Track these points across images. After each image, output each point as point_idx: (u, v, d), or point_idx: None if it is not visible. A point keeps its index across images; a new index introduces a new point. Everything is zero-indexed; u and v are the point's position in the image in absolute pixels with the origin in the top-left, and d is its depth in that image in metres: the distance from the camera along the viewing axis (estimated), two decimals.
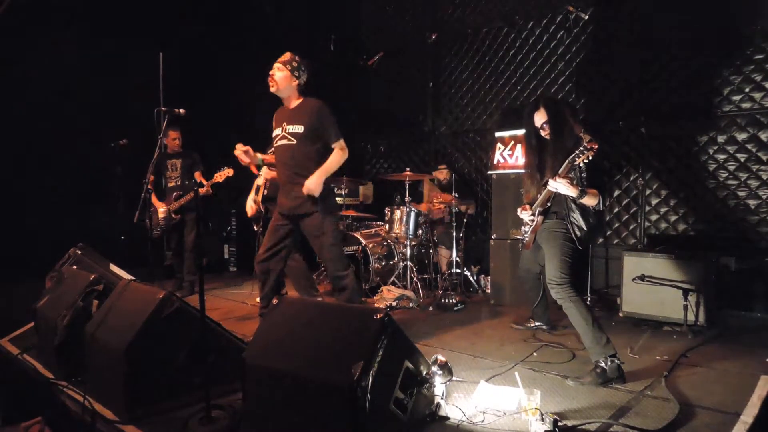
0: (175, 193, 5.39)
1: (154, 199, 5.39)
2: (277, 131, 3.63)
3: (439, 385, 2.41)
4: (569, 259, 3.10)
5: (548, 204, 3.23)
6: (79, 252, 3.98)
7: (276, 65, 3.54)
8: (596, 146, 2.97)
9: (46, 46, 5.64)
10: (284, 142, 3.55)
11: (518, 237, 3.91)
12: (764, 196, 4.55)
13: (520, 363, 3.23)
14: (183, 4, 6.49)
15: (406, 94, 7.17)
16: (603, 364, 2.87)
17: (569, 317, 3.03)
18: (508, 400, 2.51)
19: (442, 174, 6.13)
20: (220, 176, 4.98)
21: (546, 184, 3.16)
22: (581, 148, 2.97)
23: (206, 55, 6.79)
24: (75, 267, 3.64)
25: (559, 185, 3.04)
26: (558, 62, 5.73)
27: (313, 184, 3.39)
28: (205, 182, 5.14)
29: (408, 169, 5.47)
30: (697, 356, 3.35)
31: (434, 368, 2.39)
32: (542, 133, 3.33)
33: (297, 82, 3.55)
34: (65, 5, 5.71)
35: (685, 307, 3.84)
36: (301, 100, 3.61)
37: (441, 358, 2.47)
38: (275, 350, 2.28)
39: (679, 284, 3.90)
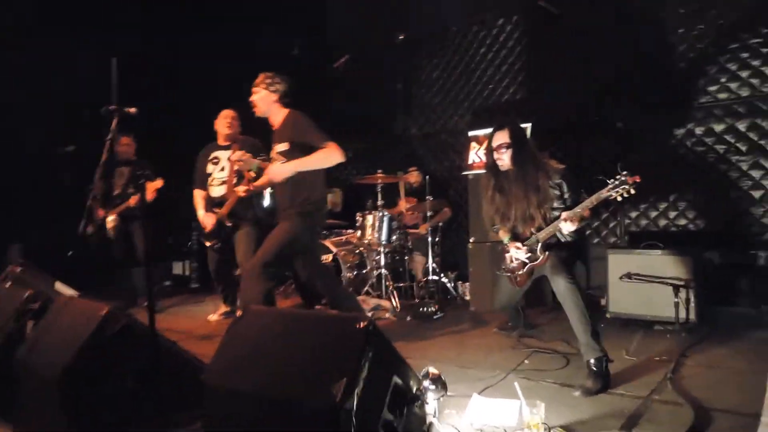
0: (117, 202, 5.08)
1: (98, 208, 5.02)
2: (273, 153, 3.53)
3: (431, 402, 2.12)
4: (574, 265, 3.05)
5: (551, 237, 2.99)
6: (19, 270, 3.55)
7: (253, 90, 3.47)
8: (638, 180, 2.67)
9: None
10: (278, 164, 3.45)
11: (498, 240, 3.60)
12: (744, 187, 4.46)
13: (512, 372, 2.97)
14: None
15: (375, 96, 6.91)
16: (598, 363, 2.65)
17: (567, 312, 2.80)
18: (507, 414, 2.24)
19: (413, 177, 5.87)
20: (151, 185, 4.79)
21: (530, 217, 2.99)
22: (617, 181, 2.67)
23: (167, 61, 6.43)
24: (9, 284, 3.21)
25: (568, 227, 2.80)
26: (531, 59, 5.58)
27: (278, 168, 3.32)
28: (143, 193, 4.75)
29: (380, 171, 5.16)
30: (697, 355, 3.16)
31: (426, 383, 2.10)
32: (496, 156, 3.09)
33: (275, 95, 3.45)
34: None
35: (676, 305, 3.66)
36: (282, 116, 3.49)
37: (433, 370, 2.17)
38: (241, 369, 1.95)
39: (669, 281, 3.73)
